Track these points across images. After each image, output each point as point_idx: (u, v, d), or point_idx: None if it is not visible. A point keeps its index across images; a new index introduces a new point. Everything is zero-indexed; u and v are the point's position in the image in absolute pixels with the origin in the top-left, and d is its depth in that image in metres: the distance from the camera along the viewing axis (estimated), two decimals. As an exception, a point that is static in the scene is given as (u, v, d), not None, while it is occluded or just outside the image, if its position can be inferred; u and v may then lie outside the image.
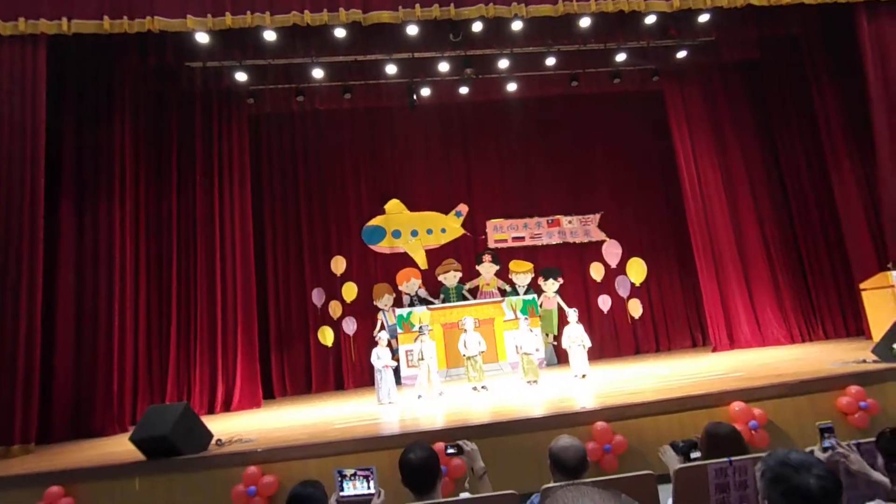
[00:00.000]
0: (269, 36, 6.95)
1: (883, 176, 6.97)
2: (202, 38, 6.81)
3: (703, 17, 7.65)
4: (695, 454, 2.42)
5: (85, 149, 6.89)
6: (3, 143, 5.78)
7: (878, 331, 5.44)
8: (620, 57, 8.56)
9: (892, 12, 7.00)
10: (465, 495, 2.34)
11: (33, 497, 3.85)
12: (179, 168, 8.22)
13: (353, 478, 2.39)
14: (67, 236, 6.66)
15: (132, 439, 4.16)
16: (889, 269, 6.49)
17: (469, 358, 6.73)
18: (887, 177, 6.89)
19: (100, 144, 6.94)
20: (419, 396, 6.45)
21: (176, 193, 8.12)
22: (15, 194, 5.72)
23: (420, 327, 6.97)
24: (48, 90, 6.10)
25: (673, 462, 2.39)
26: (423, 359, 6.56)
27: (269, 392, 8.78)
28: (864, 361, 5.00)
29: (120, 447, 4.85)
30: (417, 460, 2.19)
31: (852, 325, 8.19)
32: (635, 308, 9.93)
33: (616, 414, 4.27)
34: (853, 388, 4.33)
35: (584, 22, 7.30)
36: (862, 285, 7.00)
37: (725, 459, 2.12)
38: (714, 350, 8.53)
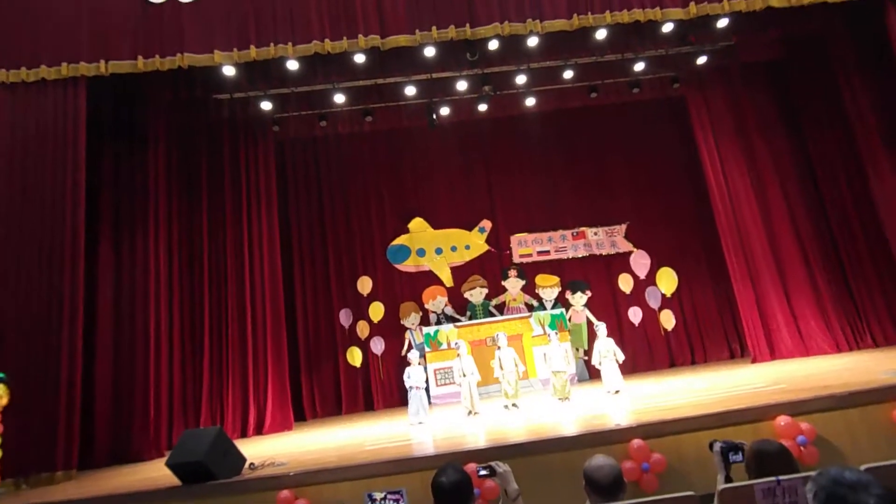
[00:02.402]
0: (292, 65, 7.21)
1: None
2: (229, 70, 7.11)
3: (722, 22, 7.53)
4: (735, 457, 2.36)
5: (121, 184, 7.22)
6: (47, 180, 6.12)
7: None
8: (639, 66, 8.49)
9: (922, 3, 6.74)
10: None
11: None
12: (210, 196, 8.50)
13: (383, 501, 2.36)
14: (105, 268, 6.92)
15: (168, 464, 4.23)
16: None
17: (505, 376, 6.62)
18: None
19: (135, 178, 7.28)
20: (469, 413, 6.35)
21: (206, 221, 8.39)
22: (58, 229, 6.02)
23: (456, 343, 6.89)
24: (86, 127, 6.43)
25: (718, 464, 2.32)
26: (464, 375, 6.48)
27: (300, 414, 8.84)
28: (918, 370, 4.70)
29: (157, 472, 4.93)
30: (449, 483, 2.15)
31: (903, 330, 7.71)
32: (667, 319, 9.62)
33: (653, 431, 4.10)
34: (909, 398, 4.05)
35: (601, 34, 7.29)
36: (911, 287, 6.61)
37: (773, 479, 2.00)
38: (753, 361, 8.16)
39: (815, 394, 4.33)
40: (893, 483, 1.84)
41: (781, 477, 2.00)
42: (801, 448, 3.88)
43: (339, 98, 8.28)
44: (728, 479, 2.38)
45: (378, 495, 2.38)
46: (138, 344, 6.79)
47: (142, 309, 6.92)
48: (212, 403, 7.79)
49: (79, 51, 6.31)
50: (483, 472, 2.47)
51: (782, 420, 4.01)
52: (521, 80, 8.43)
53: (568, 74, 8.45)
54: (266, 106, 8.29)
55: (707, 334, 9.74)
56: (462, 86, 8.38)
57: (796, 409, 4.09)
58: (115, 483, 4.95)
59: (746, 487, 2.01)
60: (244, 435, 7.51)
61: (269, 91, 8.12)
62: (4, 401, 4.97)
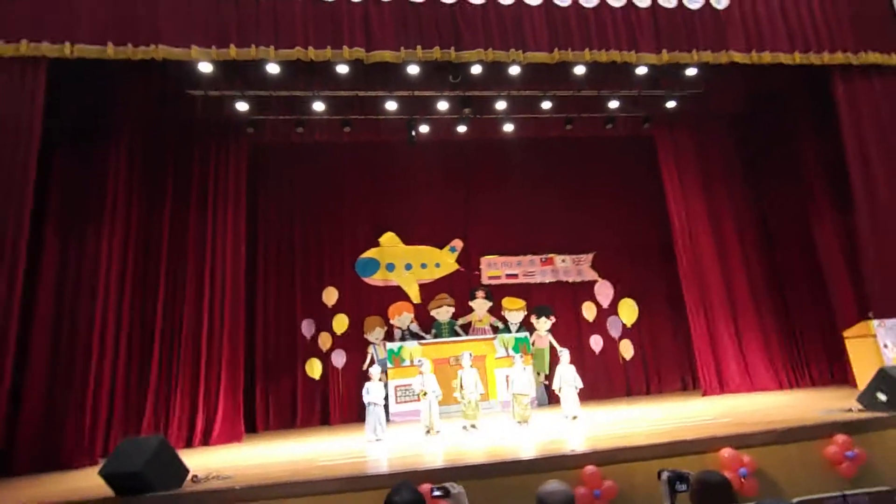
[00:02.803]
0: (273, 69, 7.14)
1: (861, 228, 7.21)
2: (205, 67, 6.95)
3: (691, 71, 8.02)
4: (680, 486, 2.47)
5: (76, 172, 6.79)
6: None
7: (862, 379, 5.53)
8: (613, 104, 8.89)
9: (864, 75, 7.44)
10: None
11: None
12: (174, 194, 8.19)
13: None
14: (49, 263, 6.44)
15: (102, 473, 3.95)
16: (869, 318, 6.62)
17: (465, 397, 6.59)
18: (865, 229, 7.15)
19: (93, 168, 6.89)
20: (427, 432, 6.28)
21: (168, 219, 8.07)
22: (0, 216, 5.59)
23: (419, 361, 6.85)
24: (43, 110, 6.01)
25: (664, 494, 2.40)
26: (425, 393, 6.42)
27: (252, 426, 8.48)
28: (850, 410, 5.02)
29: (87, 482, 4.60)
30: (403, 503, 2.11)
31: (838, 371, 8.26)
32: (626, 349, 9.88)
33: (606, 458, 4.19)
34: (840, 438, 4.33)
35: (579, 69, 7.61)
36: (845, 333, 7.13)
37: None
38: (704, 394, 8.48)
39: (758, 428, 4.58)
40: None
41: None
42: (742, 479, 4.05)
43: (319, 106, 8.24)
44: None
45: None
46: (79, 344, 6.35)
47: (87, 307, 6.50)
48: (157, 410, 7.36)
49: (42, 28, 5.92)
50: (437, 493, 2.44)
51: (726, 452, 4.20)
52: (500, 105, 8.66)
53: (546, 105, 8.74)
54: (242, 107, 8.14)
55: (662, 366, 10.06)
56: (443, 106, 8.52)
57: (740, 441, 4.31)
58: (39, 492, 4.56)
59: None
60: (189, 445, 7.13)
61: (246, 92, 7.99)
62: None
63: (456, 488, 2.43)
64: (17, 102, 5.89)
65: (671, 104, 8.99)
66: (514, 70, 7.53)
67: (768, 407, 6.30)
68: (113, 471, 3.92)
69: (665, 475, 2.56)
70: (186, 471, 4.25)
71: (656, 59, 7.01)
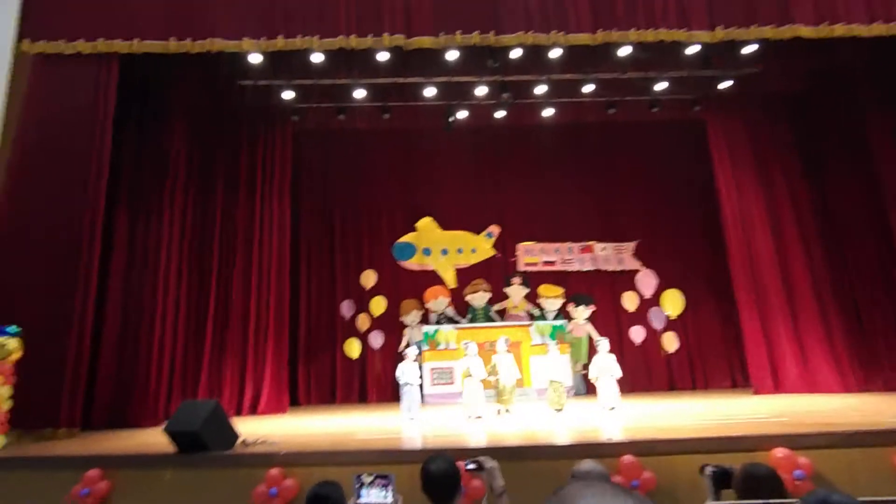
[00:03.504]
0: (317, 58, 7.34)
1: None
2: (255, 58, 7.27)
3: (748, 49, 7.53)
4: (725, 483, 2.32)
5: (142, 160, 7.39)
6: (75, 148, 6.26)
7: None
8: (660, 86, 8.51)
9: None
10: (482, 511, 2.31)
11: (74, 478, 4.04)
12: (226, 179, 8.65)
13: (371, 484, 2.41)
14: (121, 238, 7.10)
15: (166, 430, 4.33)
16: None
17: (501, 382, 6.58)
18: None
19: (156, 156, 7.45)
20: (477, 417, 6.09)
21: (220, 202, 8.54)
22: (79, 199, 6.16)
23: (466, 344, 6.73)
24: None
25: (708, 489, 2.30)
26: (470, 376, 6.34)
27: (295, 399, 8.93)
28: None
29: (154, 439, 5.03)
30: (438, 471, 2.19)
31: (918, 376, 7.53)
32: (670, 342, 9.56)
33: (646, 449, 4.05)
34: (914, 445, 3.95)
35: (624, 51, 7.34)
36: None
37: (760, 502, 2.00)
38: (756, 392, 8.03)
39: (817, 429, 4.23)
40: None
41: (769, 501, 2.00)
42: (797, 482, 3.75)
43: (360, 94, 8.40)
44: None
45: (367, 478, 2.43)
46: (145, 315, 6.95)
47: (151, 282, 7.08)
48: (210, 380, 7.89)
49: (114, 27, 6.47)
50: (471, 467, 2.50)
51: (780, 452, 3.90)
52: (540, 90, 8.49)
53: (587, 88, 8.49)
54: (288, 95, 8.42)
55: (709, 361, 9.68)
56: (481, 91, 8.46)
57: (795, 442, 3.98)
58: (116, 444, 5.07)
59: (733, 508, 2.01)
60: (239, 413, 7.60)
61: (291, 81, 8.24)
62: (18, 354, 5.11)
63: (490, 462, 2.47)
64: (94, 92, 6.46)
65: (724, 85, 8.49)
66: (555, 53, 7.37)
67: (830, 409, 5.83)
68: (175, 429, 4.29)
69: (709, 470, 2.43)
70: (237, 435, 4.56)
71: (709, 36, 6.63)
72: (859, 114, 7.98)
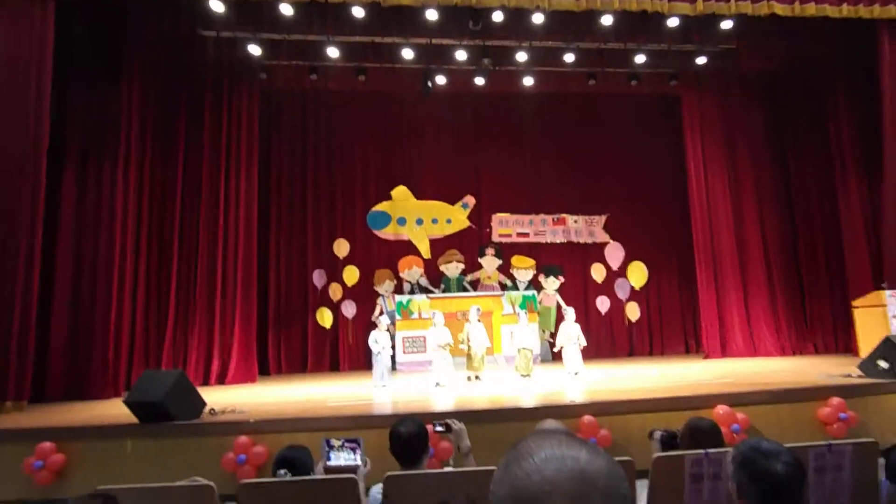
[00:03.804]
0: (286, 10, 6.91)
1: (887, 200, 6.99)
2: (217, 6, 6.76)
3: (726, 24, 7.57)
4: (673, 445, 2.50)
5: (91, 116, 6.82)
6: (6, 104, 5.69)
7: (866, 348, 5.53)
8: (640, 59, 8.49)
9: (914, 33, 6.93)
10: (448, 469, 2.37)
11: (24, 452, 3.89)
12: (187, 138, 8.18)
13: (340, 448, 2.43)
14: (69, 199, 6.62)
15: (126, 402, 4.21)
16: (883, 288, 6.56)
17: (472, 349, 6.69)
18: (891, 202, 6.91)
19: (107, 110, 6.89)
20: (436, 384, 6.19)
21: (182, 163, 8.10)
22: (17, 155, 5.63)
23: (433, 313, 6.78)
24: (55, 50, 5.93)
25: (655, 449, 2.46)
26: (441, 346, 6.40)
27: (265, 368, 8.84)
28: (850, 376, 5.09)
29: (113, 410, 4.90)
30: (407, 433, 2.23)
31: (842, 341, 8.29)
32: (633, 311, 9.94)
33: (604, 409, 4.35)
34: (835, 400, 4.42)
35: (606, 20, 7.24)
36: (855, 303, 7.09)
37: (702, 451, 2.17)
38: (706, 357, 8.56)
39: (754, 388, 4.69)
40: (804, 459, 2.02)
41: (709, 450, 2.16)
42: (735, 435, 4.18)
43: (333, 52, 8.01)
44: None
45: (336, 441, 2.44)
46: (100, 281, 6.60)
47: (106, 246, 6.69)
48: (175, 349, 7.69)
49: None
50: (439, 428, 2.54)
51: (721, 409, 4.31)
52: (521, 57, 8.31)
53: (569, 58, 8.37)
54: (255, 50, 7.94)
55: (667, 328, 10.15)
56: (461, 56, 8.21)
57: (735, 400, 4.42)
58: (70, 416, 4.90)
59: (677, 458, 2.17)
60: (206, 383, 7.47)
61: (259, 34, 7.76)
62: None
63: (457, 424, 2.52)
64: (27, 38, 5.80)
65: (701, 60, 8.55)
66: (538, 18, 7.19)
67: (769, 371, 6.36)
68: (136, 399, 4.17)
69: (658, 434, 2.58)
70: (204, 403, 4.49)
71: (690, 9, 6.62)
72: (824, 97, 8.30)
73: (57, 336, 6.37)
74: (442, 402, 5.15)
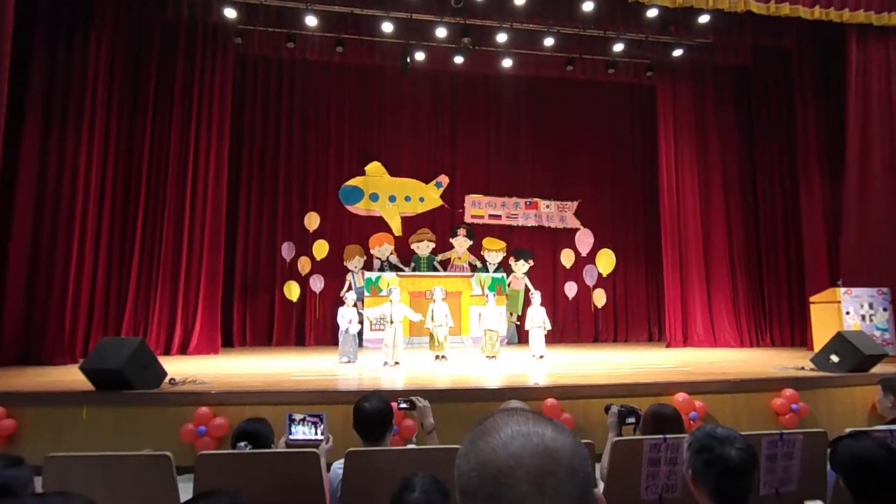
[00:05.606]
0: (263, -28, 6.59)
1: (847, 196, 7.29)
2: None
3: (703, 18, 7.69)
4: (630, 420, 2.58)
5: (55, 68, 6.51)
6: None
7: (820, 342, 5.76)
8: (618, 47, 8.54)
9: (880, 40, 7.21)
10: (411, 447, 2.42)
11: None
12: (156, 100, 7.82)
13: (302, 422, 2.44)
14: (29, 157, 6.32)
15: (82, 368, 4.10)
16: (838, 286, 6.87)
17: (435, 329, 6.74)
18: (851, 198, 7.22)
19: (72, 65, 6.59)
20: (384, 364, 6.15)
21: (150, 126, 7.76)
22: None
23: (391, 289, 6.72)
24: (18, 2, 5.51)
25: (612, 424, 2.55)
26: (391, 322, 6.36)
27: (229, 340, 8.72)
28: (803, 369, 5.33)
29: (68, 377, 4.76)
30: (372, 409, 2.24)
31: (798, 335, 8.67)
32: (599, 298, 10.23)
33: (566, 393, 4.46)
34: (788, 392, 4.65)
35: (587, 6, 7.23)
36: (812, 298, 7.38)
37: (661, 436, 2.26)
38: (668, 346, 8.87)
39: (712, 377, 4.89)
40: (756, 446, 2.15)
41: (668, 435, 2.26)
42: (692, 422, 4.37)
43: (311, 21, 7.71)
44: None
45: (298, 416, 2.45)
46: (59, 244, 6.35)
47: (67, 208, 6.43)
48: (136, 318, 7.48)
49: None
50: (403, 405, 2.58)
51: (680, 396, 4.48)
52: (501, 38, 8.24)
53: (549, 42, 8.35)
54: (230, 13, 7.57)
55: (632, 316, 10.49)
56: (441, 33, 8.06)
57: (694, 388, 4.60)
58: (22, 381, 4.73)
59: (637, 441, 2.26)
60: (168, 353, 7.32)
61: (234, -4, 7.40)
62: None
63: (421, 402, 2.56)
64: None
65: (678, 52, 8.68)
66: (520, 0, 7.10)
67: (727, 361, 6.62)
68: (93, 366, 4.06)
69: (615, 409, 2.64)
70: (164, 373, 4.41)
71: (670, 0, 6.69)
72: (793, 95, 8.54)
73: (12, 300, 6.12)
74: (407, 380, 5.21)
